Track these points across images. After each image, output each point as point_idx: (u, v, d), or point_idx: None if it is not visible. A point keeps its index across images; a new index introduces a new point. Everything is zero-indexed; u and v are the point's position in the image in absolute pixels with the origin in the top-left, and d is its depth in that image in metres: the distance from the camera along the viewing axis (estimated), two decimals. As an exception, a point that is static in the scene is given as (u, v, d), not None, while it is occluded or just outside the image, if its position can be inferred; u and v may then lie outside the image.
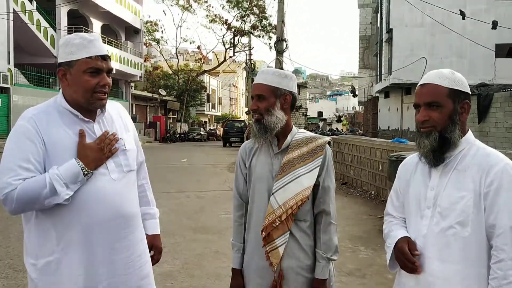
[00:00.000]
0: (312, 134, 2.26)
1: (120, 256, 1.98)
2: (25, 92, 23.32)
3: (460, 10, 19.34)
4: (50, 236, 1.89)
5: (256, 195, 2.19)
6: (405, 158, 2.17)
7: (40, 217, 1.90)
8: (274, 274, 2.11)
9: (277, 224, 2.09)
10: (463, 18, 19.06)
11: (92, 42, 1.94)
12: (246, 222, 2.26)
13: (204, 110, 53.74)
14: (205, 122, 57.74)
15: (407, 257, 1.84)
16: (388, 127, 32.55)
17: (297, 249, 2.12)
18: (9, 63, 21.73)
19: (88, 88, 1.92)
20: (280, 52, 15.11)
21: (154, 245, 2.29)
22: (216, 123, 60.56)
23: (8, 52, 21.66)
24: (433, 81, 1.84)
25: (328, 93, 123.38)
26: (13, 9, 21.88)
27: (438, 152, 1.83)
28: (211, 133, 46.56)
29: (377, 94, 35.47)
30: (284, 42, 15.23)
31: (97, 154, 1.93)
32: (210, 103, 56.49)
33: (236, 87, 68.10)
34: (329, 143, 2.22)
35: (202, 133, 43.51)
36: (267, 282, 2.13)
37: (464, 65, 25.80)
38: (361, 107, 53.54)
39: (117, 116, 2.13)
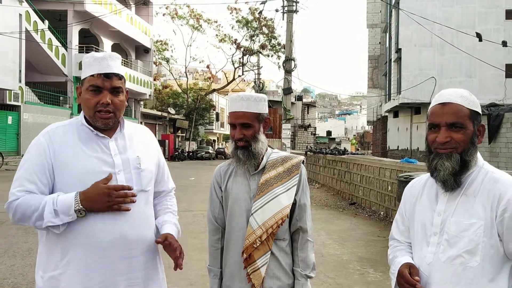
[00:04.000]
0: (286, 153, 2.29)
1: (122, 277, 1.95)
2: (35, 110, 23.57)
3: (476, 33, 19.32)
4: (56, 252, 1.92)
5: (234, 217, 2.18)
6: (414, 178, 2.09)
7: (50, 233, 1.93)
8: None
9: (258, 244, 2.09)
10: (480, 40, 18.99)
11: (97, 60, 1.97)
12: (223, 246, 2.24)
13: (213, 129, 53.89)
14: (214, 140, 57.85)
15: (406, 279, 1.75)
16: (398, 146, 32.37)
17: (277, 269, 2.13)
18: (20, 81, 22.03)
19: (89, 106, 1.97)
20: (288, 71, 15.15)
21: (167, 243, 2.07)
22: (224, 142, 60.64)
23: (20, 71, 21.98)
24: (456, 101, 1.75)
25: (337, 112, 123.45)
26: (26, 28, 22.25)
27: (457, 176, 1.73)
28: (220, 151, 46.55)
29: (386, 114, 35.41)
30: (293, 62, 15.27)
31: (100, 196, 1.87)
32: (219, 122, 56.67)
33: (244, 106, 68.21)
34: (303, 162, 2.26)
35: (210, 151, 43.53)
36: None
37: (474, 84, 25.73)
38: (370, 126, 53.43)
39: (139, 137, 2.14)
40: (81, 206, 1.84)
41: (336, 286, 5.24)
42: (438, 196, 1.81)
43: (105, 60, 1.97)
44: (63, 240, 1.90)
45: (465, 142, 1.73)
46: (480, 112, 1.80)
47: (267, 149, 2.23)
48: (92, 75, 1.95)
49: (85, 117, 2.03)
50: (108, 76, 1.95)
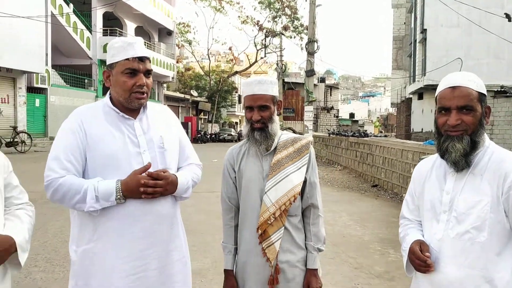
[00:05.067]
0: (295, 135, 2.41)
1: (151, 249, 2.07)
2: (61, 93, 24.02)
3: (505, 13, 18.78)
4: (88, 227, 2.04)
5: (248, 196, 2.30)
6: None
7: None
8: (271, 269, 2.22)
9: (272, 221, 2.21)
10: (509, 20, 18.48)
11: (131, 45, 2.06)
12: (237, 224, 2.37)
13: (235, 111, 54.00)
14: (236, 123, 57.99)
15: (417, 255, 1.84)
16: (422, 129, 31.94)
17: (290, 243, 2.26)
18: (46, 64, 22.44)
19: (126, 88, 2.06)
20: (311, 53, 15.05)
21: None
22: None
23: (46, 54, 22.38)
24: (465, 84, 1.82)
25: (360, 94, 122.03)
26: (51, 12, 22.57)
27: (468, 156, 1.81)
28: (242, 133, 46.61)
29: (411, 96, 34.88)
30: (316, 43, 15.17)
31: (134, 186, 1.98)
32: (241, 104, 56.72)
33: (267, 88, 68.01)
34: (311, 142, 2.40)
35: (232, 134, 43.69)
36: (264, 277, 2.25)
37: (502, 66, 25.10)
38: (394, 108, 52.74)
39: (161, 117, 2.25)
40: (121, 195, 1.97)
41: (356, 265, 5.33)
42: (446, 175, 1.88)
43: (137, 44, 2.08)
44: (93, 214, 2.02)
45: (474, 124, 1.80)
46: (486, 94, 1.86)
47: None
48: (127, 59, 2.04)
49: (110, 100, 2.13)
50: (142, 59, 2.07)
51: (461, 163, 1.81)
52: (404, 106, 38.51)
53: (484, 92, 1.84)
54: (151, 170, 2.05)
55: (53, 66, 24.00)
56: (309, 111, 15.00)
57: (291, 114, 31.94)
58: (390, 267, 5.23)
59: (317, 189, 2.34)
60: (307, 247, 2.29)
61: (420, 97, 32.35)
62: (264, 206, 2.22)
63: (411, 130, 34.68)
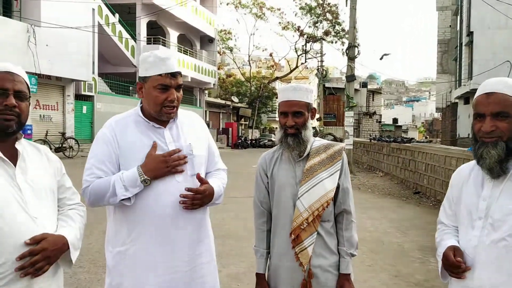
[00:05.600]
0: (328, 141, 2.43)
1: (181, 252, 2.16)
2: (107, 100, 24.83)
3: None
4: (122, 229, 2.16)
5: (281, 202, 2.33)
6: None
7: (117, 212, 2.18)
8: (304, 273, 2.24)
9: (305, 226, 2.24)
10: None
11: (163, 61, 2.14)
12: (269, 228, 2.41)
13: (275, 117, 53.99)
14: (276, 128, 58.00)
15: (450, 261, 1.83)
16: (468, 135, 30.95)
17: (323, 248, 2.28)
18: (93, 72, 23.28)
19: (157, 102, 2.15)
20: (351, 58, 14.91)
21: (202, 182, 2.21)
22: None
23: (93, 63, 23.21)
24: (501, 91, 1.80)
25: (404, 99, 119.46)
26: (98, 22, 23.41)
27: (504, 163, 1.79)
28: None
29: (456, 100, 33.90)
30: (356, 48, 15.04)
31: (158, 164, 2.10)
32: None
33: (308, 93, 67.82)
34: (344, 149, 2.42)
35: (273, 139, 43.67)
36: (297, 281, 2.26)
37: (553, 68, 24.01)
38: (439, 113, 51.37)
39: (189, 124, 2.33)
40: (145, 177, 2.07)
41: (395, 273, 5.24)
42: (484, 182, 1.86)
43: (169, 59, 2.16)
44: (128, 218, 2.13)
45: (510, 131, 1.78)
46: None
47: None
48: (160, 75, 2.12)
49: (141, 109, 2.23)
50: (174, 75, 2.15)
51: (496, 169, 1.80)
52: (450, 111, 37.45)
53: None
54: (181, 178, 2.16)
55: (100, 74, 24.85)
56: (349, 117, 14.86)
57: (332, 119, 31.67)
58: (430, 275, 5.12)
59: (350, 195, 2.36)
60: (340, 252, 2.31)
61: (467, 101, 31.39)
62: (297, 211, 2.25)
63: (457, 136, 33.67)
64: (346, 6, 15.19)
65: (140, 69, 2.19)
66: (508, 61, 24.90)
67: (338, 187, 2.32)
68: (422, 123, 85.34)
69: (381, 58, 19.66)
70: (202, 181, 2.18)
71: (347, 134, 15.02)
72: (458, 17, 33.55)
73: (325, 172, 2.29)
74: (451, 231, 2.00)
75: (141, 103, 2.25)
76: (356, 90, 34.00)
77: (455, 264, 1.81)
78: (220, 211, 8.35)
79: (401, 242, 6.65)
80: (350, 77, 14.87)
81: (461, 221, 1.93)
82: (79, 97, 23.16)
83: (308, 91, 2.34)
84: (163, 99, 2.13)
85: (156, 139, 2.18)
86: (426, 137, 56.23)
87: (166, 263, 2.13)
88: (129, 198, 2.09)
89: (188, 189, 2.12)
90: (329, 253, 2.29)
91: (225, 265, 5.38)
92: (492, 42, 25.88)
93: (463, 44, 29.79)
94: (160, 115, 2.17)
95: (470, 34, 27.31)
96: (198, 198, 2.14)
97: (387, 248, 6.35)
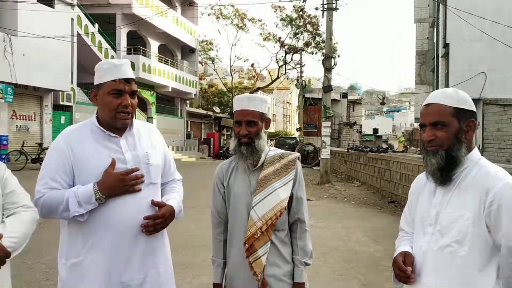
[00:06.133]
0: (282, 151, 2.47)
1: (136, 261, 2.17)
2: (87, 110, 24.56)
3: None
4: (77, 241, 2.14)
5: (236, 211, 2.36)
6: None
7: (71, 223, 2.16)
8: (258, 282, 2.26)
9: (259, 235, 2.27)
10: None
11: (117, 67, 2.17)
12: (226, 238, 2.42)
13: (257, 127, 54.02)
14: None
15: (398, 265, 1.89)
16: (446, 144, 31.41)
17: (277, 257, 2.30)
18: (72, 82, 23.07)
19: (111, 108, 2.16)
20: (328, 69, 15.08)
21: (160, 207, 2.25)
22: (269, 140, 60.85)
23: (72, 73, 23.00)
24: (438, 101, 1.87)
25: (384, 109, 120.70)
26: (77, 32, 23.25)
27: (445, 171, 1.85)
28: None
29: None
30: (333, 59, 15.23)
31: (116, 183, 2.10)
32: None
33: (290, 103, 68.31)
34: (298, 158, 2.44)
35: (255, 149, 43.72)
36: None
37: (528, 79, 24.58)
38: (417, 123, 52.02)
39: (145, 134, 2.34)
40: (101, 195, 2.06)
41: (366, 282, 5.29)
42: (436, 189, 1.91)
43: (123, 66, 2.19)
44: (83, 229, 2.12)
45: (448, 139, 1.84)
46: (470, 109, 1.88)
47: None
48: (114, 80, 2.15)
49: (97, 119, 2.24)
50: (128, 81, 2.18)
51: (437, 176, 1.86)
52: (428, 121, 37.92)
53: (465, 107, 1.86)
54: (138, 187, 2.17)
55: (79, 84, 24.60)
56: (326, 127, 14.98)
57: (313, 129, 31.73)
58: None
59: (304, 204, 2.40)
60: (294, 261, 2.34)
61: (444, 111, 31.87)
62: (251, 221, 2.28)
63: (435, 146, 34.13)
64: (323, 17, 15.43)
65: (95, 77, 2.21)
66: (483, 72, 25.42)
67: (292, 197, 2.35)
68: (403, 133, 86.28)
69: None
70: (158, 205, 2.21)
71: (324, 144, 15.13)
72: (435, 29, 34.19)
73: (279, 182, 2.32)
74: (409, 238, 2.05)
75: (96, 113, 2.25)
76: (336, 100, 34.27)
77: (402, 269, 1.87)
78: (193, 221, 8.32)
79: (373, 251, 6.71)
80: (327, 88, 15.02)
81: (416, 227, 1.98)
82: (57, 107, 22.89)
83: (262, 101, 2.37)
84: (117, 104, 2.14)
85: (113, 148, 2.19)
86: (406, 147, 56.76)
87: (121, 273, 2.13)
88: (82, 214, 2.08)
89: (146, 217, 2.15)
90: (283, 262, 2.31)
91: (196, 275, 5.36)
92: (468, 54, 26.36)
93: (440, 55, 30.31)
94: (114, 121, 2.17)
95: (446, 46, 27.81)
96: (159, 223, 2.18)
97: (359, 257, 6.40)
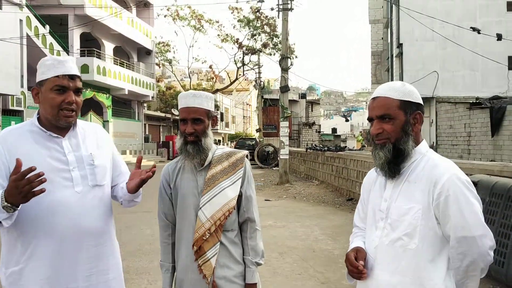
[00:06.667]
0: (230, 149, 2.42)
1: (81, 267, 2.05)
2: (38, 114, 23.72)
3: (472, 28, 19.22)
4: (16, 247, 2.01)
5: (183, 213, 2.27)
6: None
7: (11, 229, 2.00)
8: (208, 285, 2.19)
9: (207, 236, 2.19)
10: (478, 33, 18.91)
11: (61, 63, 2.07)
12: (174, 241, 2.34)
13: (217, 129, 53.94)
14: (219, 140, 57.89)
15: (350, 261, 1.87)
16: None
17: (227, 258, 2.24)
18: (22, 86, 22.17)
19: (54, 104, 2.04)
20: (285, 69, 15.14)
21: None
22: (230, 142, 60.75)
23: (22, 76, 22.11)
24: (384, 94, 1.86)
25: (342, 109, 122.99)
26: (26, 34, 22.40)
27: (393, 164, 1.84)
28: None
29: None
30: (289, 59, 15.30)
31: (12, 190, 1.80)
32: (223, 122, 56.73)
33: (249, 105, 68.43)
34: (247, 156, 2.39)
35: (215, 151, 43.55)
36: None
37: (477, 78, 25.55)
38: (374, 122, 53.11)
39: (91, 134, 2.23)
40: (6, 203, 1.82)
41: (324, 280, 5.27)
42: (386, 183, 1.91)
43: (68, 62, 2.09)
44: (23, 235, 2.00)
45: (395, 132, 1.83)
46: (417, 101, 1.88)
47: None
48: (57, 76, 2.04)
49: (38, 119, 2.11)
50: (72, 77, 2.08)
51: (385, 169, 1.85)
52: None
53: (411, 99, 1.85)
54: (81, 188, 2.06)
55: (29, 88, 23.71)
56: (284, 127, 15.03)
57: (273, 130, 31.84)
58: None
59: (253, 202, 2.34)
60: (245, 261, 2.28)
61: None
62: (199, 222, 2.21)
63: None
64: (278, 17, 15.47)
65: (38, 74, 2.10)
66: (435, 71, 26.23)
67: (241, 195, 2.29)
68: (360, 132, 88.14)
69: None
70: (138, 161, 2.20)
71: (283, 144, 15.16)
72: (389, 29, 35.04)
73: (227, 181, 2.27)
74: (362, 233, 2.04)
75: (38, 113, 2.12)
76: (295, 101, 34.59)
77: (354, 265, 1.85)
78: (149, 225, 8.12)
79: (331, 249, 6.73)
80: (284, 88, 15.07)
81: (368, 222, 1.97)
82: (7, 112, 21.94)
83: (208, 98, 2.30)
84: (60, 101, 2.04)
85: (54, 149, 2.06)
86: (364, 146, 57.96)
87: (66, 281, 2.02)
88: (4, 219, 1.87)
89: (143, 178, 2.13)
90: (234, 263, 2.26)
91: (152, 281, 5.22)
92: (421, 54, 27.16)
93: (394, 55, 31.08)
94: (57, 119, 2.06)
95: (400, 46, 28.54)
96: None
97: (317, 255, 6.40)
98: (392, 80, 32.78)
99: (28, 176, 1.77)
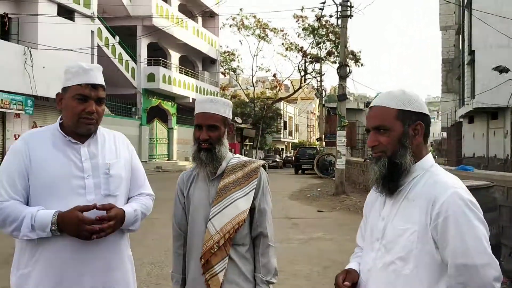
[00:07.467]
0: (247, 158, 2.26)
1: (87, 277, 2.02)
2: (107, 121, 24.78)
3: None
4: (26, 251, 2.03)
5: (194, 223, 2.19)
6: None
7: None
8: None
9: (215, 250, 2.09)
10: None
11: (86, 71, 2.07)
12: (186, 252, 2.24)
13: (280, 137, 53.96)
14: (282, 149, 57.88)
15: (337, 283, 1.71)
16: (474, 154, 30.50)
17: (236, 275, 2.12)
18: (92, 94, 23.34)
19: (74, 113, 2.05)
20: (343, 77, 14.80)
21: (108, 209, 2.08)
22: (293, 150, 60.57)
23: (92, 84, 23.29)
24: (380, 103, 1.69)
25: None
26: (97, 44, 23.61)
27: (388, 179, 1.64)
28: (287, 160, 46.46)
29: (461, 119, 33.58)
30: (347, 67, 14.94)
31: (71, 225, 1.94)
32: (287, 130, 56.69)
33: (313, 113, 67.94)
34: (264, 166, 2.26)
35: (277, 160, 43.60)
36: None
37: (557, 86, 23.69)
38: (444, 133, 50.96)
39: (111, 144, 2.22)
40: (56, 227, 1.92)
41: None
42: (385, 200, 1.72)
43: (93, 71, 2.08)
44: (32, 240, 1.99)
45: (391, 144, 1.64)
46: (418, 111, 1.67)
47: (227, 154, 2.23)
48: (80, 84, 2.04)
49: (60, 124, 2.12)
50: (95, 86, 2.07)
51: (380, 186, 1.67)
52: (455, 130, 37.12)
53: (411, 108, 1.65)
54: (93, 197, 2.03)
55: (99, 96, 24.94)
56: (341, 136, 14.65)
57: (334, 139, 31.34)
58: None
59: (268, 216, 2.20)
60: (256, 279, 2.15)
61: (471, 120, 31.07)
62: (208, 234, 2.10)
63: (463, 155, 33.23)
64: (337, 25, 15.17)
65: (63, 80, 2.11)
66: (510, 79, 24.64)
67: (254, 208, 2.17)
68: (431, 142, 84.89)
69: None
70: (104, 208, 2.01)
71: (339, 153, 14.78)
72: (460, 36, 33.48)
73: (240, 192, 2.14)
74: (361, 254, 1.86)
75: (61, 118, 2.15)
76: (360, 110, 33.76)
77: (340, 287, 1.69)
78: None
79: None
80: (342, 96, 14.72)
81: (366, 241, 1.80)
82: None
83: (226, 105, 2.21)
84: (80, 110, 2.05)
85: (72, 155, 2.07)
86: (435, 157, 55.74)
87: (70, 286, 2.00)
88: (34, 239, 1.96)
89: (97, 218, 1.98)
90: (244, 280, 2.14)
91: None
92: (494, 61, 25.63)
93: (465, 63, 29.63)
94: (77, 126, 2.07)
95: (471, 53, 27.16)
96: (107, 227, 1.98)
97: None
98: (463, 88, 31.24)
99: (94, 225, 1.93)
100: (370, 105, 1.76)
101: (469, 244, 1.47)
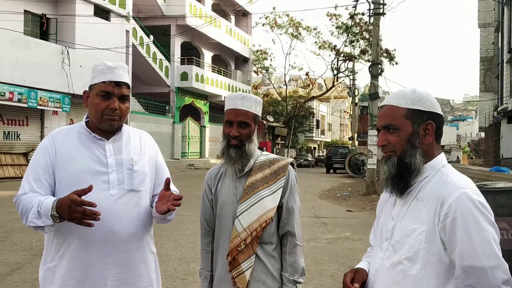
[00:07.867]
0: (275, 156, 2.25)
1: (110, 271, 2.06)
2: (141, 119, 25.33)
3: None
4: (52, 245, 2.09)
5: (222, 220, 2.18)
6: (489, 188, 1.93)
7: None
8: None
9: (242, 247, 2.07)
10: None
11: (110, 69, 2.11)
12: (214, 249, 2.23)
13: (313, 136, 53.64)
14: (314, 148, 57.52)
15: (344, 282, 1.70)
16: (512, 155, 29.52)
17: (263, 273, 2.09)
18: (127, 92, 23.83)
19: (98, 110, 2.09)
20: (375, 75, 14.58)
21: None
22: (325, 149, 60.12)
23: (127, 83, 23.79)
24: (390, 102, 1.68)
25: (449, 118, 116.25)
26: (132, 43, 24.08)
27: (398, 179, 1.63)
28: (319, 159, 46.15)
29: (499, 119, 32.55)
30: (380, 66, 14.72)
31: (65, 206, 1.88)
32: (319, 129, 56.31)
33: (347, 112, 67.23)
34: (292, 164, 2.22)
35: (309, 159, 43.35)
36: None
37: None
38: (481, 133, 49.51)
39: (136, 141, 2.26)
40: (55, 212, 1.90)
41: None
42: (396, 200, 1.71)
43: (117, 69, 2.11)
44: (57, 235, 2.06)
45: (400, 144, 1.63)
46: (429, 110, 1.65)
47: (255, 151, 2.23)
48: (104, 82, 2.08)
49: (87, 122, 2.18)
50: (118, 84, 2.09)
51: (389, 185, 1.66)
52: (493, 131, 36.00)
53: (422, 108, 1.64)
54: (116, 192, 2.07)
55: (133, 94, 25.44)
56: (373, 135, 14.44)
57: (367, 139, 30.98)
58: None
59: (295, 215, 2.17)
60: (282, 278, 2.13)
61: (510, 120, 30.06)
62: (235, 232, 2.09)
63: (500, 156, 32.19)
64: (369, 23, 14.96)
65: (89, 78, 2.17)
66: (552, 78, 23.72)
67: (282, 206, 2.14)
68: (468, 143, 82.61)
69: None
70: (167, 183, 2.10)
71: (370, 153, 14.59)
72: (500, 33, 32.44)
73: (267, 190, 2.12)
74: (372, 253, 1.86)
75: (87, 117, 2.20)
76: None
77: (347, 286, 1.68)
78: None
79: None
80: (373, 95, 14.50)
81: (376, 241, 1.79)
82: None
83: (257, 102, 2.20)
84: (104, 107, 2.08)
85: (96, 151, 2.12)
86: (472, 158, 54.16)
87: (94, 284, 2.04)
88: (42, 227, 1.96)
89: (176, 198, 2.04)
90: (271, 279, 2.10)
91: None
92: (535, 58, 24.78)
93: (505, 61, 28.71)
94: (100, 123, 2.10)
95: (511, 50, 26.29)
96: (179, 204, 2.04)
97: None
98: (501, 87, 30.25)
99: (85, 207, 1.87)
100: (381, 103, 1.75)
101: (477, 246, 1.45)
